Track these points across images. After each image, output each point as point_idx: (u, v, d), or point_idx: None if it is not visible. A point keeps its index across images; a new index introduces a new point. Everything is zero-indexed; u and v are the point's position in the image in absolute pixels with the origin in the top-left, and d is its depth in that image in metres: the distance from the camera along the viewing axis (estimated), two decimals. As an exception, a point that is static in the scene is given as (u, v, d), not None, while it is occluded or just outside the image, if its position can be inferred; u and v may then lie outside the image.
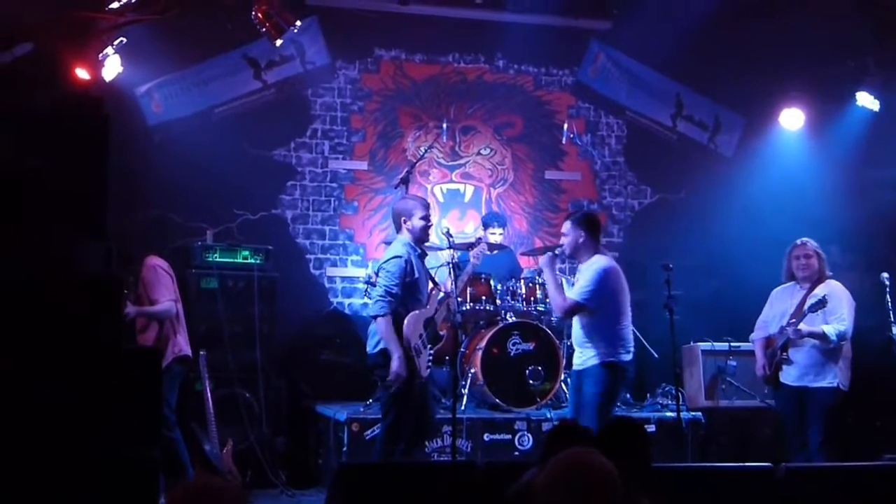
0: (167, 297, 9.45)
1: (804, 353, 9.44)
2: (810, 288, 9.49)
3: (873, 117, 11.99)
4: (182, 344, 9.64)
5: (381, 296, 8.77)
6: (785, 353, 9.51)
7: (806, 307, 9.33)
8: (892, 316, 9.19)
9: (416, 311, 8.95)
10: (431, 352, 9.14)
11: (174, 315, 9.49)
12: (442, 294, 9.72)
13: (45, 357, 4.60)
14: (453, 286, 9.46)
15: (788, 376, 9.51)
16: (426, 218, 9.10)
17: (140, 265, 9.48)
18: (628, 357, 9.02)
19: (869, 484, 7.45)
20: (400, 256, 8.87)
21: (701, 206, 13.67)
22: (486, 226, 12.23)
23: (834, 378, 9.30)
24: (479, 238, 11.39)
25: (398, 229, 9.13)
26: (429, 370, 9.09)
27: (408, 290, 8.88)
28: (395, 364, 8.63)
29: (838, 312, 9.28)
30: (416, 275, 8.94)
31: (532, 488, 4.04)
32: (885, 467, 7.70)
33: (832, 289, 9.41)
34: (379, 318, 8.77)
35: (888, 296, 9.24)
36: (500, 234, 12.12)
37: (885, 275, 9.37)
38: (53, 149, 5.03)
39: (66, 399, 4.61)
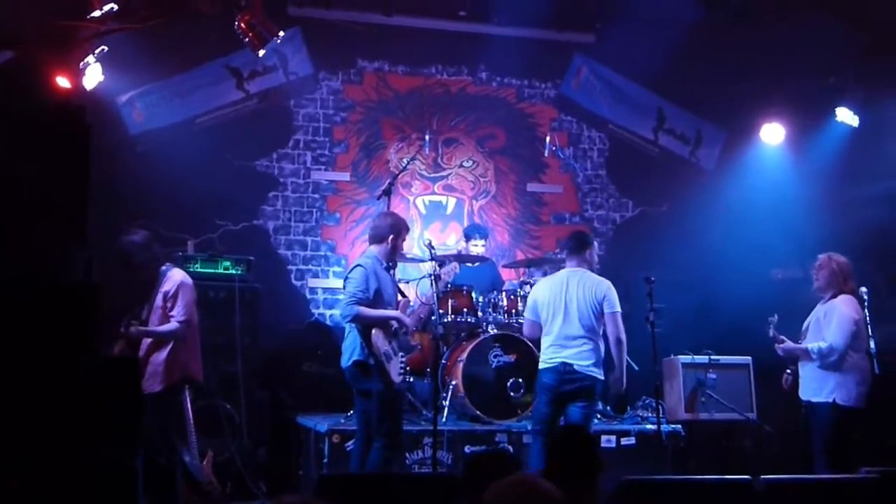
0: (183, 317, 9.25)
1: (806, 368, 9.67)
2: (825, 302, 9.70)
3: (852, 133, 12.06)
4: (191, 365, 9.45)
5: (348, 301, 9.02)
6: (791, 367, 9.87)
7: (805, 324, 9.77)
8: (870, 330, 9.22)
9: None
10: (403, 359, 9.21)
11: (181, 336, 9.29)
12: (413, 304, 9.82)
13: (22, 364, 4.59)
14: (434, 297, 9.62)
15: (800, 389, 9.76)
16: (406, 239, 9.50)
17: (163, 275, 9.30)
18: (542, 366, 9.56)
19: (846, 496, 7.47)
20: (362, 266, 9.14)
21: (682, 219, 13.72)
22: (467, 238, 12.24)
23: (830, 394, 9.42)
24: (450, 258, 11.40)
25: (378, 242, 9.25)
26: (401, 377, 9.17)
27: (374, 300, 9.00)
28: (403, 319, 9.25)
29: (828, 330, 9.47)
30: (381, 286, 9.14)
31: None
32: (862, 480, 7.70)
33: (831, 306, 9.59)
34: (355, 319, 8.99)
35: (866, 310, 9.28)
36: (483, 245, 12.14)
37: (864, 289, 9.40)
38: (34, 157, 5.02)
39: (42, 406, 4.60)
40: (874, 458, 8.78)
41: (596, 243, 10.02)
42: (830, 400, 9.39)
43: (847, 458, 9.05)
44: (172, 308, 9.16)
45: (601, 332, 9.52)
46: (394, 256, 9.40)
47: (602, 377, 9.50)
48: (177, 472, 9.26)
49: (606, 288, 9.50)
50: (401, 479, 8.62)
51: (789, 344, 9.68)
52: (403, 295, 9.64)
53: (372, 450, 9.07)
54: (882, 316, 9.72)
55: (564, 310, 9.48)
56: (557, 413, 9.50)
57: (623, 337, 9.45)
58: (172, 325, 9.14)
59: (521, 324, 11.40)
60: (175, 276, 9.29)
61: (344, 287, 9.33)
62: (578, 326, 9.42)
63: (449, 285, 11.28)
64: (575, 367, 9.37)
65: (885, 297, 10.24)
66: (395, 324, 9.19)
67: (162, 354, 9.11)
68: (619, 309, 9.49)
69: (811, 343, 9.54)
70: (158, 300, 9.16)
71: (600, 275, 9.77)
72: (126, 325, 8.93)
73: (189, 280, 9.40)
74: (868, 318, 9.27)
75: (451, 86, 13.80)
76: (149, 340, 9.16)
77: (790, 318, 9.85)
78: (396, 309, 9.33)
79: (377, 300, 9.08)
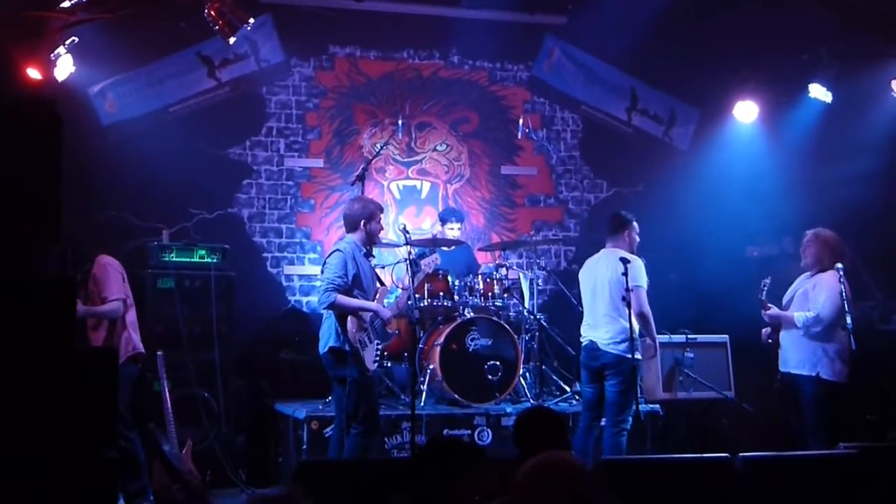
0: (116, 296, 9.40)
1: (789, 338, 9.75)
2: (811, 276, 9.77)
3: (825, 109, 12.07)
4: (136, 341, 9.61)
5: (325, 288, 9.05)
6: (773, 337, 9.91)
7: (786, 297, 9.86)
8: (846, 306, 9.25)
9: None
10: (379, 347, 9.23)
11: (121, 315, 9.45)
12: (391, 289, 9.87)
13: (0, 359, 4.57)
14: (410, 282, 9.64)
15: (780, 361, 9.83)
16: (381, 221, 9.42)
17: (91, 264, 9.45)
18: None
19: (824, 472, 7.53)
20: (341, 251, 9.17)
21: (657, 199, 13.72)
22: (443, 221, 12.24)
23: (814, 368, 9.49)
24: (434, 249, 11.42)
25: (353, 229, 9.26)
26: (376, 364, 9.20)
27: (352, 286, 9.01)
28: (381, 312, 9.21)
29: (815, 301, 9.56)
30: (360, 272, 9.15)
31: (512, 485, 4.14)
32: (840, 455, 7.75)
33: (818, 280, 9.67)
34: (332, 306, 9.00)
35: (842, 285, 9.31)
36: (459, 228, 12.16)
37: (840, 265, 9.43)
38: (5, 150, 4.99)
39: (22, 401, 4.58)
40: (852, 433, 8.86)
41: (636, 224, 10.05)
42: (814, 374, 9.45)
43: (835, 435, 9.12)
44: (103, 290, 9.39)
45: (628, 310, 9.67)
46: (373, 240, 9.42)
47: (627, 354, 9.61)
48: (137, 446, 9.36)
49: (625, 264, 9.66)
50: (379, 464, 8.65)
51: (776, 310, 9.75)
52: (382, 283, 9.64)
53: (349, 436, 9.09)
54: (857, 293, 9.76)
55: (592, 290, 9.96)
56: (598, 392, 9.90)
57: (645, 310, 9.70)
58: (112, 304, 9.41)
59: (497, 307, 11.49)
60: (100, 261, 9.55)
61: (322, 272, 9.35)
62: (603, 305, 9.82)
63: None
64: (599, 344, 9.82)
65: (859, 274, 10.26)
66: (367, 316, 9.19)
67: (100, 335, 9.37)
68: (640, 283, 9.69)
69: (797, 312, 9.61)
70: (89, 285, 9.40)
71: (575, 255, 9.89)
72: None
73: (114, 261, 9.64)
74: (844, 294, 9.30)
75: (423, 70, 13.76)
76: (89, 323, 9.40)
77: (767, 296, 9.87)
78: (375, 297, 9.33)
79: (356, 286, 9.09)
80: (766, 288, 9.78)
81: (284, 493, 3.67)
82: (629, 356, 9.60)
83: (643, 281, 9.71)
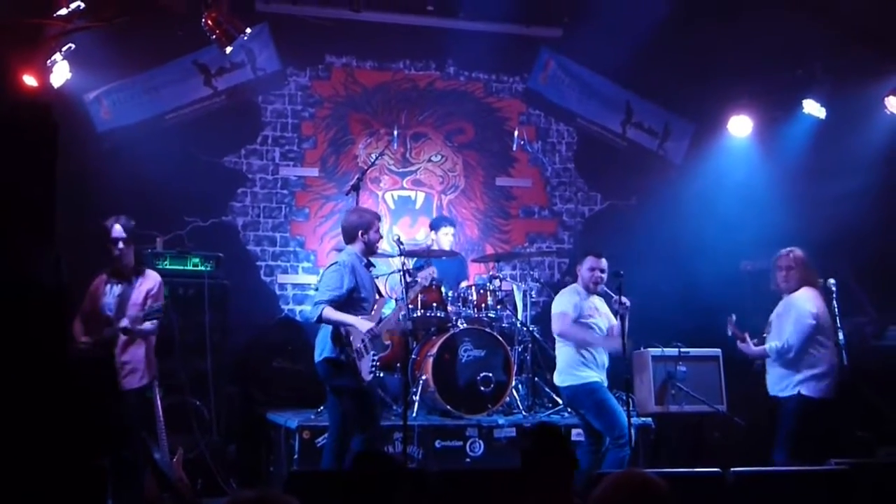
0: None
1: (771, 364, 9.74)
2: (788, 295, 9.74)
3: (819, 125, 12.09)
4: (155, 364, 9.61)
5: (315, 301, 9.07)
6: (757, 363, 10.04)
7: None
8: (838, 322, 9.25)
9: (361, 317, 9.11)
10: (376, 358, 9.18)
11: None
12: (389, 303, 9.87)
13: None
14: (404, 293, 9.62)
15: (767, 385, 9.82)
16: (379, 231, 9.36)
17: (142, 274, 9.41)
18: None
19: (815, 487, 7.53)
20: (339, 264, 9.16)
21: (651, 212, 13.78)
22: (436, 228, 12.22)
23: (795, 387, 9.47)
24: (430, 261, 11.43)
25: (351, 240, 9.24)
26: (372, 375, 9.14)
27: (351, 298, 9.00)
28: (361, 326, 8.99)
29: (786, 326, 9.55)
30: (359, 283, 9.14)
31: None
32: (832, 471, 7.76)
33: (790, 301, 9.65)
34: (319, 320, 8.98)
35: (835, 301, 9.31)
36: (452, 234, 12.16)
37: (832, 281, 9.43)
38: (0, 156, 4.99)
39: (14, 406, 4.58)
40: (844, 449, 8.86)
41: (591, 258, 9.94)
42: (795, 392, 9.44)
43: (813, 450, 9.09)
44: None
45: (565, 340, 9.87)
46: (372, 250, 9.38)
47: (563, 382, 9.90)
48: (139, 465, 9.35)
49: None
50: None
51: (749, 346, 9.76)
52: (381, 294, 9.64)
53: (352, 445, 9.06)
54: (851, 308, 9.76)
55: None
56: (584, 422, 10.00)
57: (560, 332, 9.79)
58: (156, 323, 9.28)
59: (490, 318, 11.49)
60: (155, 276, 9.51)
61: (320, 281, 9.38)
62: None
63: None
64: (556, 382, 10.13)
65: (853, 290, 10.27)
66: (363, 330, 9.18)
67: (140, 350, 9.28)
68: (555, 310, 9.86)
69: (771, 341, 9.61)
70: (138, 297, 9.28)
71: (568, 268, 9.90)
72: (133, 320, 9.00)
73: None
74: (837, 310, 9.28)
75: (419, 81, 13.79)
76: (124, 337, 9.21)
77: (760, 311, 9.88)
78: (373, 307, 9.31)
79: (353, 298, 9.07)
80: (730, 323, 9.82)
81: (262, 494, 3.59)
82: (564, 384, 9.85)
83: (557, 309, 9.84)
